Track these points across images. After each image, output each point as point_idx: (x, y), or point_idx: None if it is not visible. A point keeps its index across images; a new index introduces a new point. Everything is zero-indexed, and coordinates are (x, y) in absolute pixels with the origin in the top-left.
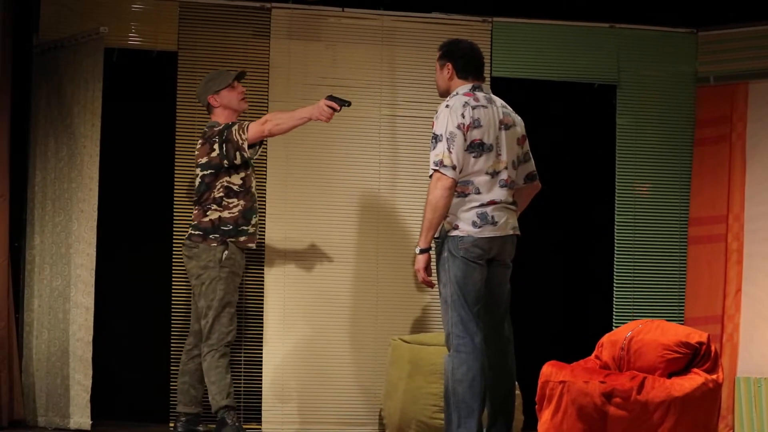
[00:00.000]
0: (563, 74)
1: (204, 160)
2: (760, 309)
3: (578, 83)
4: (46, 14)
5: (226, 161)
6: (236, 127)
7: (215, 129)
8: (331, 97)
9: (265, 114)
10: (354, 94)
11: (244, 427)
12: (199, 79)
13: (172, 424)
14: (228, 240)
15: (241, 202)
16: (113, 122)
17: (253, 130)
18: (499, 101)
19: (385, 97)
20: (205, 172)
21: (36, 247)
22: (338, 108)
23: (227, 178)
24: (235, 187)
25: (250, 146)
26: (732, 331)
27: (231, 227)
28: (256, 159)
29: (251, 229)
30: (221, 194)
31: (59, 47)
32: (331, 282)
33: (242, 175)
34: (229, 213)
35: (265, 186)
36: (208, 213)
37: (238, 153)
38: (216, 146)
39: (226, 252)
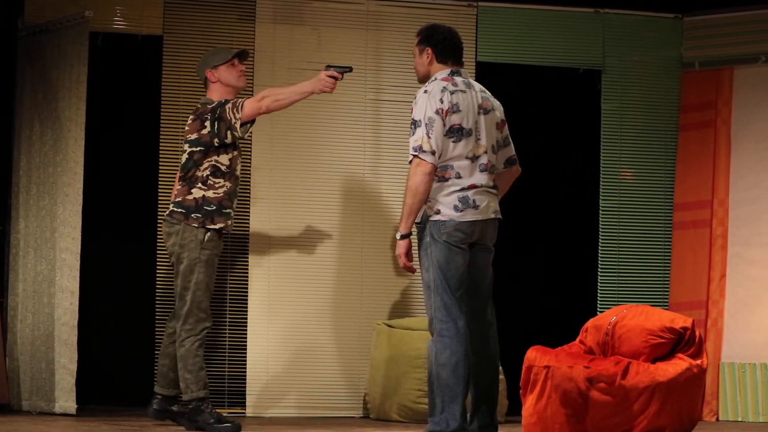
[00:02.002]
0: (548, 59)
1: (194, 136)
2: (745, 294)
3: (563, 68)
4: None
5: (216, 139)
6: (230, 105)
7: (208, 106)
8: (330, 67)
9: (249, 97)
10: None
11: (229, 411)
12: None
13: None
14: (209, 225)
15: (227, 184)
16: (98, 106)
17: (249, 107)
18: (477, 86)
19: (370, 81)
20: (194, 149)
21: (21, 231)
22: (340, 76)
23: (216, 157)
24: (222, 168)
25: (242, 125)
26: (716, 317)
27: (215, 208)
28: (241, 142)
29: (233, 213)
30: (207, 173)
31: (44, 31)
32: (316, 267)
33: (230, 155)
34: (214, 193)
35: (249, 171)
36: (192, 191)
37: (229, 132)
38: (207, 123)
39: (207, 234)
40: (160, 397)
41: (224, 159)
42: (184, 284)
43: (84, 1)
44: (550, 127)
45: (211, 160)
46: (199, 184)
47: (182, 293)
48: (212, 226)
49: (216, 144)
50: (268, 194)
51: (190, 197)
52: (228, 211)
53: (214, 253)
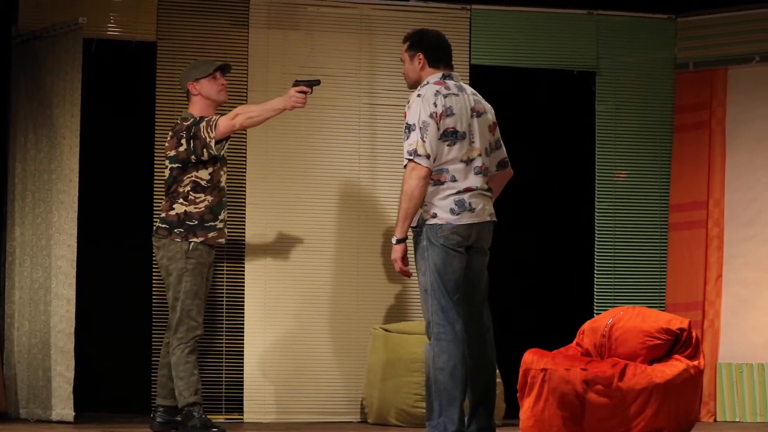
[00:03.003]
0: (542, 61)
1: (172, 153)
2: (741, 295)
3: (557, 70)
4: (24, 5)
5: (193, 157)
6: (204, 123)
7: (184, 123)
8: (298, 82)
9: (242, 104)
10: (333, 83)
11: (226, 417)
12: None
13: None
14: (192, 239)
15: (208, 198)
16: (93, 113)
17: (223, 125)
18: (469, 89)
19: (364, 85)
20: (173, 165)
21: (16, 239)
22: (310, 90)
23: (195, 173)
24: (202, 182)
25: (217, 142)
26: (713, 317)
27: (196, 222)
28: (236, 149)
29: (219, 225)
30: (188, 188)
31: (38, 38)
32: (312, 271)
33: (210, 170)
34: (195, 208)
35: (244, 176)
36: (174, 206)
37: (205, 150)
38: (183, 141)
39: (191, 244)
40: (162, 408)
41: (204, 174)
42: (174, 294)
43: (78, 7)
44: (544, 129)
45: (191, 176)
46: (180, 200)
47: (173, 304)
48: (194, 240)
49: (193, 160)
50: (264, 199)
51: (172, 212)
52: (210, 224)
53: (201, 262)
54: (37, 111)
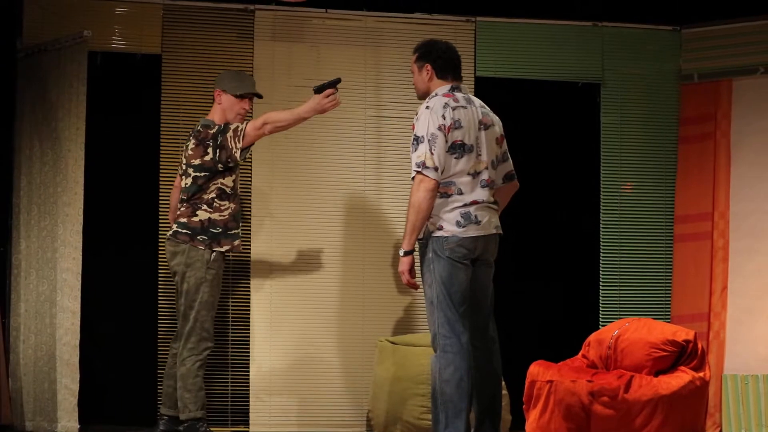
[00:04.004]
0: (547, 73)
1: (197, 162)
2: (747, 306)
3: (562, 82)
4: (29, 18)
5: (220, 165)
6: (231, 132)
7: (210, 132)
8: (319, 88)
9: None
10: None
11: (232, 429)
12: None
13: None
14: (216, 248)
15: (232, 205)
16: (98, 126)
17: (251, 134)
18: (477, 101)
19: (370, 98)
20: (199, 174)
21: (22, 251)
22: (335, 90)
23: (221, 180)
24: (227, 190)
25: (243, 150)
26: (718, 329)
27: (221, 230)
28: (241, 163)
29: (240, 232)
30: (213, 196)
31: (43, 51)
32: (318, 284)
33: (234, 177)
34: (220, 215)
35: (250, 188)
36: (197, 213)
37: (229, 159)
38: (210, 150)
39: (214, 254)
40: (166, 418)
41: (229, 181)
42: (188, 303)
43: (82, 20)
44: (549, 141)
45: (217, 183)
46: (205, 206)
47: (186, 312)
48: (219, 249)
49: (220, 169)
50: (270, 212)
51: (195, 219)
52: (234, 232)
53: (219, 273)
54: (42, 124)
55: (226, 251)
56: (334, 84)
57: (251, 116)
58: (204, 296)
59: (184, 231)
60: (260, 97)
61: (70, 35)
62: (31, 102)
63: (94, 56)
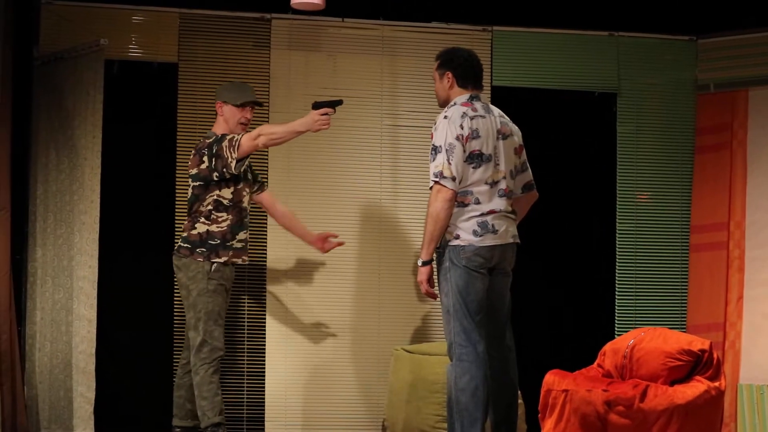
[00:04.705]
0: (563, 83)
1: (194, 171)
2: (763, 316)
3: (579, 91)
4: (45, 26)
5: (215, 174)
6: (226, 142)
7: (207, 141)
8: (318, 104)
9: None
10: (355, 105)
11: None
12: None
13: None
14: (214, 259)
15: (230, 217)
16: (114, 134)
17: (246, 144)
18: (496, 111)
19: (386, 107)
20: (195, 184)
21: (38, 259)
22: (333, 111)
23: (218, 192)
24: (225, 201)
25: (238, 161)
26: (734, 338)
27: (218, 241)
28: (258, 169)
29: (238, 245)
30: (210, 207)
31: (59, 59)
32: (334, 292)
33: (232, 189)
34: (218, 227)
35: None
36: (196, 226)
37: (225, 169)
38: (205, 158)
39: (214, 265)
40: (179, 429)
41: (226, 193)
42: (195, 315)
43: (99, 29)
44: (565, 150)
45: (213, 195)
46: (202, 219)
47: (195, 324)
48: (217, 260)
49: (216, 178)
50: None
51: (194, 232)
52: (232, 243)
53: (222, 283)
54: (58, 132)
55: (225, 262)
56: (333, 104)
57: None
58: (208, 306)
59: (185, 245)
60: (260, 105)
61: (86, 43)
62: (48, 110)
63: (111, 64)
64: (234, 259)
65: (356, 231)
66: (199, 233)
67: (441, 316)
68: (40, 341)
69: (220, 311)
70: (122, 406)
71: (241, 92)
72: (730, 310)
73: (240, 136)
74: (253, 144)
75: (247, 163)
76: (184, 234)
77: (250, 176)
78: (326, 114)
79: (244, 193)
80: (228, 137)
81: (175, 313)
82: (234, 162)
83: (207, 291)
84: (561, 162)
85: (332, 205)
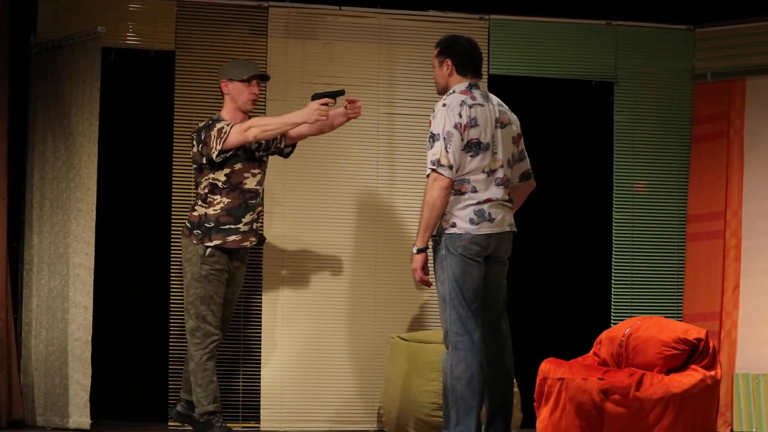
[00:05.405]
0: (560, 71)
1: (191, 154)
2: (759, 305)
3: (576, 80)
4: (43, 14)
5: (204, 159)
6: (215, 131)
7: (201, 125)
8: (318, 95)
9: (261, 113)
10: (352, 93)
11: (243, 426)
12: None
13: (171, 423)
14: (207, 243)
15: (225, 200)
16: (111, 122)
17: (235, 137)
18: (495, 99)
19: (383, 95)
20: (193, 167)
21: (34, 247)
22: (334, 101)
23: (212, 175)
24: (219, 184)
25: (222, 152)
26: (730, 328)
27: (212, 225)
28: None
29: (243, 228)
30: (206, 191)
31: (56, 47)
32: (329, 280)
33: (227, 171)
34: (213, 210)
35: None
36: (196, 208)
37: (208, 156)
38: (194, 142)
39: (208, 249)
40: (183, 401)
41: (220, 175)
42: (188, 298)
43: (96, 17)
44: (562, 139)
45: (208, 178)
46: (200, 202)
47: (188, 307)
48: (209, 244)
49: (204, 162)
50: (282, 209)
51: (195, 214)
52: (230, 227)
53: (216, 268)
54: (55, 120)
55: (217, 247)
56: (334, 95)
57: (264, 112)
58: (199, 290)
59: (187, 226)
60: (267, 78)
61: (83, 31)
62: (45, 98)
63: (108, 52)
64: (233, 244)
65: (353, 219)
66: (198, 215)
67: (437, 304)
68: (36, 328)
69: (212, 296)
70: (118, 393)
71: (246, 67)
72: (726, 299)
73: (230, 126)
74: (243, 137)
75: (228, 155)
76: (188, 215)
77: (262, 156)
78: (326, 105)
79: (247, 174)
80: (218, 126)
81: (171, 301)
82: (216, 152)
83: (200, 276)
84: (557, 151)
85: (329, 193)
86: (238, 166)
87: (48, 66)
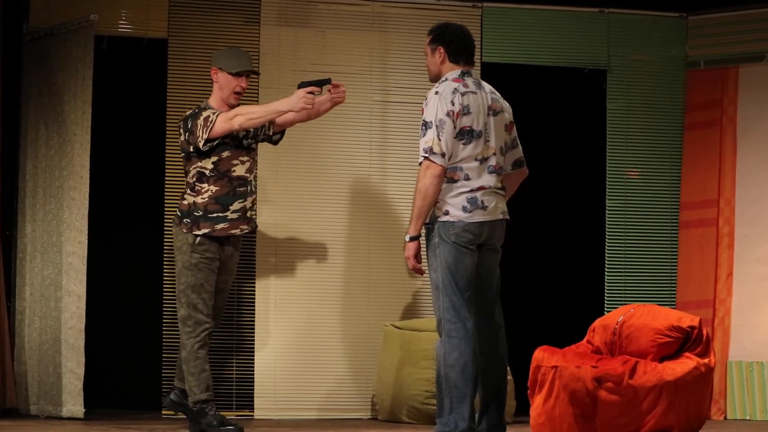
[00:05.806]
0: (553, 59)
1: (179, 143)
2: (752, 292)
3: (568, 68)
4: (35, 2)
5: (191, 147)
6: (201, 120)
7: (188, 113)
8: (304, 83)
9: (254, 101)
10: (345, 81)
11: (237, 414)
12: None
13: (164, 411)
14: (195, 231)
15: (213, 188)
16: (104, 110)
17: (220, 126)
18: (487, 87)
19: (376, 83)
20: (181, 156)
21: (27, 235)
22: (319, 90)
23: (199, 163)
24: (206, 172)
25: (208, 141)
26: (723, 315)
27: (200, 213)
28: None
29: (231, 216)
30: (194, 179)
31: (49, 35)
32: (323, 268)
33: (215, 159)
34: (201, 198)
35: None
36: (185, 197)
37: (194, 145)
38: (181, 131)
39: (198, 238)
40: (177, 390)
41: (207, 164)
42: (179, 287)
43: (89, 4)
44: (555, 127)
45: (196, 166)
46: (189, 190)
47: (179, 296)
48: (198, 232)
49: (191, 150)
50: (275, 196)
51: (184, 203)
52: (218, 215)
53: (206, 256)
54: (48, 108)
55: (205, 235)
56: (320, 84)
57: (257, 100)
58: (190, 279)
59: (178, 214)
60: (256, 74)
61: (76, 19)
62: (37, 86)
63: (101, 40)
64: (222, 232)
65: (346, 207)
66: (187, 204)
67: (430, 292)
68: (30, 317)
69: (203, 284)
70: (112, 381)
71: (238, 60)
72: (719, 287)
73: (216, 115)
74: (228, 125)
75: (215, 143)
76: (178, 203)
77: (250, 143)
78: (312, 93)
79: (236, 162)
80: (204, 114)
81: (164, 289)
82: (202, 141)
83: (190, 264)
84: (550, 139)
85: (322, 181)
86: (226, 153)
87: (41, 54)
